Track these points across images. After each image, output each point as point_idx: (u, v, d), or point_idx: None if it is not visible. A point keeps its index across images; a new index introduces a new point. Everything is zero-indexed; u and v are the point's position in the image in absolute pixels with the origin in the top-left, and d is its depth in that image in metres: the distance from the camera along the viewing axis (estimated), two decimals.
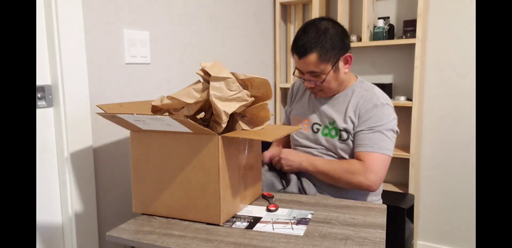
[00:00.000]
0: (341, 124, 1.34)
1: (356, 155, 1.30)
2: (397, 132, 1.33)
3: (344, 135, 1.33)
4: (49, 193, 1.20)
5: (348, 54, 1.31)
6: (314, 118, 1.42)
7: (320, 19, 1.31)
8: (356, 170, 1.25)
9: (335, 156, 1.36)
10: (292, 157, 1.35)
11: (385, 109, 1.29)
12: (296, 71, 1.36)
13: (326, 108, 1.39)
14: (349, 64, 1.33)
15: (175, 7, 1.58)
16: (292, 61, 2.44)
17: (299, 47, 1.27)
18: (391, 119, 1.30)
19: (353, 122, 1.32)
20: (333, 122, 1.36)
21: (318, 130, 1.40)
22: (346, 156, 1.35)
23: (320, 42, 1.24)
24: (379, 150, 1.26)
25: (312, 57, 1.25)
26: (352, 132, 1.32)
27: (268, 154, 1.43)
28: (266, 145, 1.64)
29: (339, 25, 1.31)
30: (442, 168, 2.23)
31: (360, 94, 1.34)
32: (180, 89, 1.25)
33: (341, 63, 1.30)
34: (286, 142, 1.60)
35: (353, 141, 1.33)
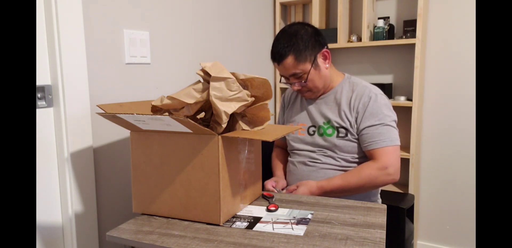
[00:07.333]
0: (337, 121, 1.36)
1: (370, 152, 1.32)
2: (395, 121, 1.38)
3: (342, 131, 1.34)
4: (49, 193, 1.20)
5: (324, 50, 1.36)
6: (309, 121, 1.43)
7: (290, 24, 1.38)
8: (375, 173, 1.29)
9: (334, 154, 1.36)
10: (306, 193, 1.30)
11: (381, 100, 1.34)
12: (282, 78, 1.41)
13: (319, 108, 1.41)
14: (328, 59, 1.37)
15: (175, 7, 1.58)
16: None
17: (275, 55, 1.33)
18: (390, 107, 1.35)
19: (349, 119, 1.34)
20: (328, 121, 1.37)
21: (314, 131, 1.41)
22: (345, 155, 1.35)
23: (292, 45, 1.30)
24: (391, 142, 1.30)
25: (289, 60, 1.31)
26: (350, 129, 1.33)
27: (271, 183, 1.39)
28: (266, 145, 1.64)
29: (309, 26, 1.37)
30: (442, 168, 2.23)
31: (350, 89, 1.38)
32: (180, 89, 1.25)
33: (320, 60, 1.35)
34: (284, 150, 1.60)
35: (357, 139, 1.34)
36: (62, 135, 1.19)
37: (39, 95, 1.16)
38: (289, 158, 1.50)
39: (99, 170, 1.30)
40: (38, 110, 1.16)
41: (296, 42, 1.30)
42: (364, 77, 2.38)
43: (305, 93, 1.41)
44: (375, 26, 2.19)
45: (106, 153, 1.32)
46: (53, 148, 1.21)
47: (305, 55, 1.31)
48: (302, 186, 1.32)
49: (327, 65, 1.37)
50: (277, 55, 1.32)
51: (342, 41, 2.25)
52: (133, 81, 1.41)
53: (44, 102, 1.17)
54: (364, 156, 1.36)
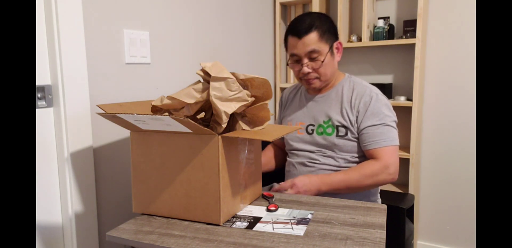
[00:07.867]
0: (338, 119, 1.36)
1: (370, 152, 1.32)
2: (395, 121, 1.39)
3: (342, 130, 1.34)
4: (49, 193, 1.20)
5: (338, 41, 1.39)
6: (308, 119, 1.43)
7: (309, 12, 1.41)
8: (377, 170, 1.29)
9: (334, 154, 1.36)
10: (307, 186, 1.28)
11: (382, 100, 1.35)
12: (290, 60, 1.40)
13: (319, 107, 1.41)
14: (339, 52, 1.41)
15: (175, 7, 1.58)
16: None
17: (301, 28, 1.33)
18: (390, 108, 1.37)
19: (350, 117, 1.34)
20: (328, 120, 1.37)
21: (312, 130, 1.40)
22: (345, 154, 1.35)
23: (318, 24, 1.33)
24: (392, 142, 1.31)
25: (313, 35, 1.32)
26: (351, 127, 1.34)
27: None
28: (266, 145, 1.64)
29: (327, 16, 1.41)
30: (442, 168, 2.23)
31: (351, 88, 1.39)
32: (180, 89, 1.25)
33: (334, 49, 1.38)
34: (281, 148, 1.60)
35: (356, 138, 1.35)
36: (62, 135, 1.19)
37: (39, 95, 1.16)
38: (287, 159, 1.50)
39: (99, 170, 1.30)
40: (38, 110, 1.16)
41: (321, 22, 1.34)
42: (364, 77, 2.38)
43: (312, 80, 1.37)
44: (375, 26, 2.19)
45: (106, 153, 1.32)
46: (53, 148, 1.21)
47: (327, 37, 1.34)
48: (302, 176, 1.31)
49: (338, 58, 1.40)
50: (303, 28, 1.32)
51: (342, 41, 2.24)
52: (133, 81, 1.41)
53: (44, 102, 1.17)
54: (363, 156, 1.36)
